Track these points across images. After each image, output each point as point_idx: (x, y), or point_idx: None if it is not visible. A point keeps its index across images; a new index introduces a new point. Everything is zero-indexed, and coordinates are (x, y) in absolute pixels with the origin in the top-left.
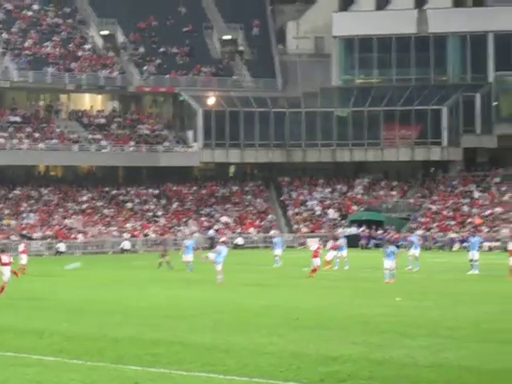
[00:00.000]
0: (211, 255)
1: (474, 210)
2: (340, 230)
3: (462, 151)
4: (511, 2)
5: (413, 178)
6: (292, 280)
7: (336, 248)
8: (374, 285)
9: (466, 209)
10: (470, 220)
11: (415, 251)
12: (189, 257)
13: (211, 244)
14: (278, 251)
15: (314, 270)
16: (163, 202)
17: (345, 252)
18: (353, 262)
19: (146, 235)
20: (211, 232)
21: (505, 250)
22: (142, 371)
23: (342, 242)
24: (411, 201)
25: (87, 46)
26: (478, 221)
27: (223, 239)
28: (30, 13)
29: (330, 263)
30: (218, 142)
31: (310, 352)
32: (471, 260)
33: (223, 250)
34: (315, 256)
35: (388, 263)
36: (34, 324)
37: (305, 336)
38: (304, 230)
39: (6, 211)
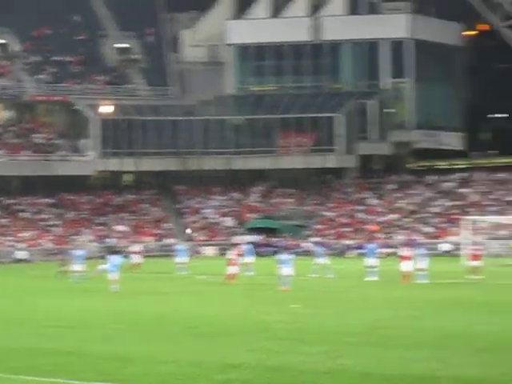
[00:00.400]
0: (102, 266)
1: (370, 217)
2: (237, 238)
3: (356, 158)
4: (404, 10)
5: (308, 186)
6: (191, 288)
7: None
8: (271, 292)
9: (361, 216)
10: (365, 227)
11: (322, 260)
12: (78, 267)
13: (109, 253)
14: (182, 259)
15: (231, 277)
16: (59, 211)
17: (249, 259)
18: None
19: (40, 245)
20: (110, 240)
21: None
22: (38, 382)
23: (246, 248)
24: (307, 208)
25: None
26: (373, 227)
27: (136, 248)
28: None
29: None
30: (113, 150)
31: (209, 360)
32: (368, 266)
33: (116, 259)
34: (232, 264)
35: (284, 270)
36: None
37: (204, 344)
38: (200, 238)
39: None
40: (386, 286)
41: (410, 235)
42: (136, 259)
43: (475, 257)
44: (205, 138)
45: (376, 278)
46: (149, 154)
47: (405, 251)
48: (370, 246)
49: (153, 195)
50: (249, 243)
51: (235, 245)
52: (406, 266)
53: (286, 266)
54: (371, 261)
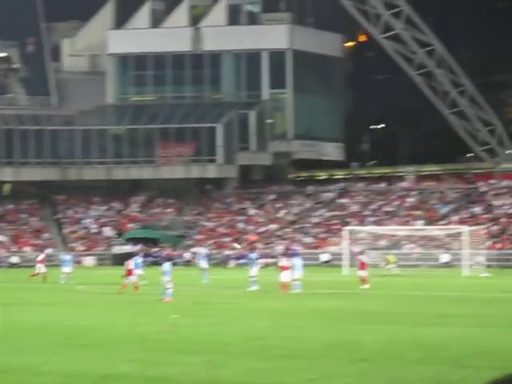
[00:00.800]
0: None
1: (250, 227)
2: (116, 248)
3: (237, 168)
4: (284, 21)
5: (189, 196)
6: (72, 298)
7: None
8: (151, 302)
9: (241, 226)
10: (245, 237)
11: (202, 264)
12: None
13: None
14: (67, 269)
15: (125, 286)
16: None
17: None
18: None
19: None
20: None
21: None
22: None
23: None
24: (187, 218)
25: None
26: (253, 237)
27: (40, 257)
28: None
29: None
30: None
31: (87, 370)
32: (251, 276)
33: None
34: (128, 274)
35: (167, 280)
36: None
37: (81, 354)
38: (80, 248)
39: None
40: (266, 296)
41: (290, 245)
42: (41, 269)
43: (362, 266)
44: (85, 147)
45: (256, 288)
46: (29, 163)
47: (284, 261)
48: (252, 255)
49: (32, 205)
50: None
51: (130, 256)
52: (284, 276)
53: (168, 276)
54: (252, 270)
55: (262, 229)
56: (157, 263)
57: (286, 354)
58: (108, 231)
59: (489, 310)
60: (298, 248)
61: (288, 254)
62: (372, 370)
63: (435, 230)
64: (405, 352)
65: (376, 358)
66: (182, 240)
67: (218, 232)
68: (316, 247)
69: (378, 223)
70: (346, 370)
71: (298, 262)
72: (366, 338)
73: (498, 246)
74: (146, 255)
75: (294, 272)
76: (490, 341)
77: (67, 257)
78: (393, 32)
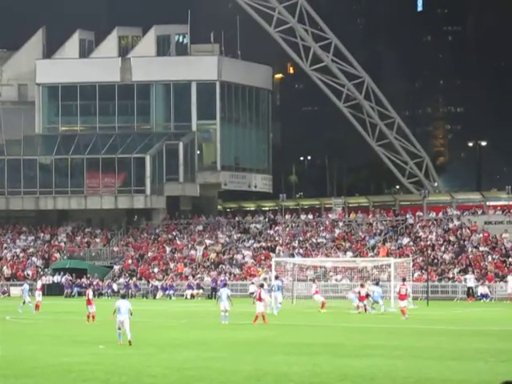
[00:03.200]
0: None
1: (178, 257)
2: (44, 278)
3: (165, 199)
4: (213, 52)
5: (116, 226)
6: None
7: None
8: (76, 332)
9: (169, 256)
10: (172, 267)
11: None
12: None
13: None
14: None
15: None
16: None
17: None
18: (56, 309)
19: None
20: None
21: (208, 297)
22: None
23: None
24: (115, 249)
25: None
26: (181, 268)
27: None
28: None
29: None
30: None
31: None
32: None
33: None
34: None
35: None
36: None
37: None
38: (7, 278)
39: None
40: (193, 327)
41: (218, 276)
42: None
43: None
44: (13, 177)
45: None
46: None
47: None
48: (276, 282)
49: None
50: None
51: (89, 285)
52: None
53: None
54: (278, 296)
55: (190, 259)
56: (83, 294)
57: None
58: (35, 261)
59: (415, 342)
60: (225, 279)
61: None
62: None
63: (363, 262)
64: (330, 383)
65: None
66: (110, 271)
67: (146, 262)
68: (244, 278)
69: (305, 254)
70: None
71: (224, 292)
72: (291, 369)
73: (425, 277)
74: (72, 286)
75: (221, 303)
76: (416, 372)
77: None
78: (321, 64)
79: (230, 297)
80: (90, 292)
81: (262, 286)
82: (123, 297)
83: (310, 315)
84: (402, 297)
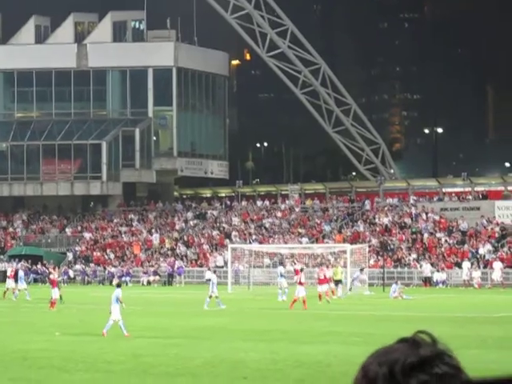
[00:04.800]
0: None
1: (134, 244)
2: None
3: (121, 185)
4: (168, 38)
5: (72, 213)
6: None
7: None
8: (33, 319)
9: (125, 240)
10: (129, 253)
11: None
12: None
13: None
14: None
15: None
16: None
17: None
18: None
19: None
20: None
21: (164, 283)
22: None
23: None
24: (70, 235)
25: None
26: (137, 251)
27: None
28: None
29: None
30: None
31: None
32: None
33: None
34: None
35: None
36: None
37: None
38: None
39: None
40: (150, 314)
41: (174, 263)
42: None
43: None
44: None
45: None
46: None
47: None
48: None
49: None
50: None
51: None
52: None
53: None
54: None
55: (147, 245)
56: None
57: (168, 371)
58: None
59: (371, 329)
60: (182, 265)
61: (174, 271)
62: None
63: (319, 248)
64: (286, 370)
65: (258, 375)
66: (65, 257)
67: (102, 249)
68: (200, 265)
69: (261, 241)
70: None
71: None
72: (248, 355)
73: (380, 264)
74: (29, 272)
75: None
76: None
77: None
78: (278, 51)
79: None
80: (55, 274)
81: (301, 270)
82: (118, 286)
83: (268, 302)
84: (321, 281)
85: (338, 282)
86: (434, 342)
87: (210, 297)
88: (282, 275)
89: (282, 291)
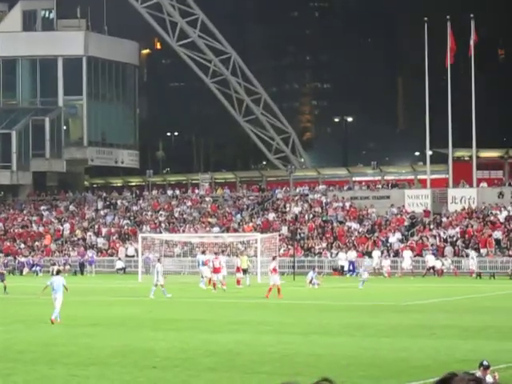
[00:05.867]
0: None
1: (44, 233)
2: None
3: (31, 175)
4: (78, 27)
5: None
6: None
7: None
8: None
9: (35, 232)
10: (39, 243)
11: None
12: None
13: None
14: None
15: None
16: None
17: None
18: None
19: None
20: None
21: (75, 273)
22: None
23: None
24: None
25: None
26: (47, 242)
27: None
28: None
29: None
30: None
31: None
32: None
33: None
34: None
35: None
36: None
37: None
38: None
39: None
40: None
41: (85, 252)
42: None
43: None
44: None
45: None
46: None
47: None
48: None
49: None
50: None
51: None
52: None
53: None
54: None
55: (57, 235)
56: None
57: (78, 361)
58: None
59: (282, 318)
60: (93, 255)
61: (86, 261)
62: (163, 377)
63: (229, 237)
64: (197, 359)
65: (167, 364)
66: None
67: (11, 239)
68: (110, 254)
69: (172, 230)
70: (136, 376)
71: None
72: (158, 344)
73: (291, 252)
74: None
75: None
76: (283, 347)
77: None
78: (188, 40)
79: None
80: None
81: (274, 258)
82: (58, 273)
83: (179, 290)
84: (215, 270)
85: (244, 271)
86: None
87: (156, 285)
88: (203, 263)
89: (204, 279)
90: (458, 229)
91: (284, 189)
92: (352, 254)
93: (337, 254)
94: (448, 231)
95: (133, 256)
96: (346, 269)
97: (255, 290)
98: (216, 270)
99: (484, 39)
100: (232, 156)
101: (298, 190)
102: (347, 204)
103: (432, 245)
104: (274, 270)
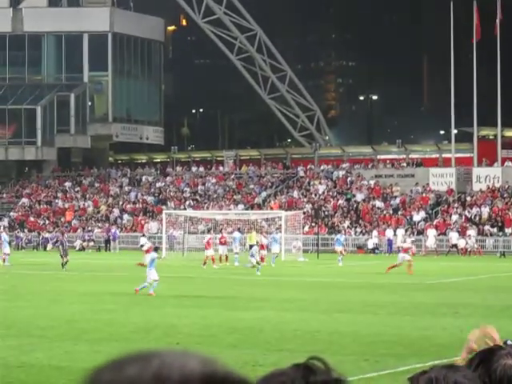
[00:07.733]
0: None
1: (69, 210)
2: None
3: (56, 151)
4: (104, 3)
5: (7, 178)
6: None
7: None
8: None
9: (60, 208)
10: (63, 219)
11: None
12: None
13: None
14: None
15: None
16: None
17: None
18: None
19: None
20: None
21: (99, 249)
22: None
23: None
24: (4, 201)
25: None
26: (68, 217)
27: None
28: None
29: None
30: None
31: None
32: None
33: None
34: None
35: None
36: None
37: None
38: None
39: None
40: (82, 280)
41: (108, 229)
42: None
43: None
44: None
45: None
46: None
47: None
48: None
49: None
50: None
51: None
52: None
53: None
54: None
55: (82, 211)
56: None
57: (101, 337)
58: None
59: (304, 295)
60: (116, 231)
61: (110, 237)
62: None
63: (254, 215)
64: (219, 336)
65: (190, 341)
66: None
67: (36, 214)
68: (134, 230)
69: (196, 207)
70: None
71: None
72: (180, 321)
73: (315, 230)
74: None
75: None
76: (305, 325)
77: None
78: (214, 16)
79: None
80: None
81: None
82: (155, 250)
83: (200, 268)
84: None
85: (251, 247)
86: (328, 369)
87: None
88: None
89: (238, 256)
90: (482, 208)
91: (309, 167)
92: (389, 233)
93: (371, 231)
94: (472, 210)
95: (156, 233)
96: (369, 247)
97: (278, 267)
98: (207, 246)
99: (510, 17)
100: (257, 133)
101: (322, 168)
102: (372, 182)
103: (455, 222)
104: (405, 250)
